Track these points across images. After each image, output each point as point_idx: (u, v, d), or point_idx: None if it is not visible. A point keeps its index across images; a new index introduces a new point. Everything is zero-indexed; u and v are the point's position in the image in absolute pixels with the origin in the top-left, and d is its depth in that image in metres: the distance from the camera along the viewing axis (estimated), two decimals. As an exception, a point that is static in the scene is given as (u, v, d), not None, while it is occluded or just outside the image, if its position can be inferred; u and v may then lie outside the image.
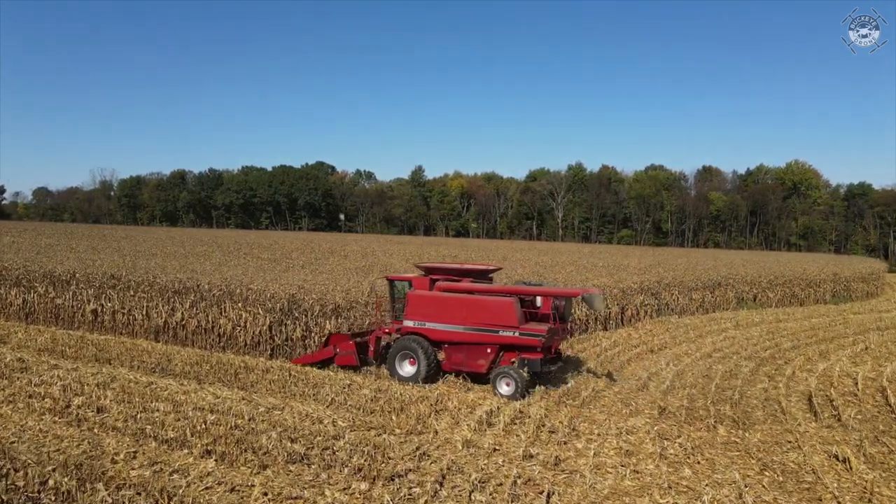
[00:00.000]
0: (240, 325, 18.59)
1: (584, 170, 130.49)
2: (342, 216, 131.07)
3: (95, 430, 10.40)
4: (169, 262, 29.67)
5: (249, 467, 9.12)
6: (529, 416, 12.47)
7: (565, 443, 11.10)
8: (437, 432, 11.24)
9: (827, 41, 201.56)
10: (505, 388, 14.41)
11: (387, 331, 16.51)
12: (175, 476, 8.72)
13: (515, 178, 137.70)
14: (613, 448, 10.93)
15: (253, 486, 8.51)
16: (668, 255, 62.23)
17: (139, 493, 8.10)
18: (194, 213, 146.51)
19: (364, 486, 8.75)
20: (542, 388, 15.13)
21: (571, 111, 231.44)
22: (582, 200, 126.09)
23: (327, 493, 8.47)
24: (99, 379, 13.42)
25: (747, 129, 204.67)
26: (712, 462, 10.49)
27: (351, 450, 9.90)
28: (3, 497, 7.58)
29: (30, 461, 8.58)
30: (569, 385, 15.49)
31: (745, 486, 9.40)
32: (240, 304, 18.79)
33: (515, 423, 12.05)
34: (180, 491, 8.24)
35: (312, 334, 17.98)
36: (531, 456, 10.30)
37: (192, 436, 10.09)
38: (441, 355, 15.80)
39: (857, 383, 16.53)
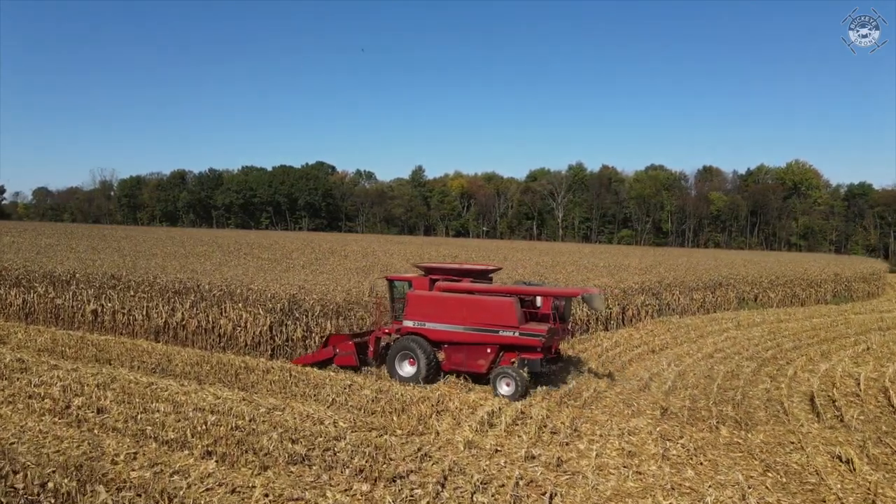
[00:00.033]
0: (240, 326, 18.55)
1: (584, 170, 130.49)
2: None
3: (95, 431, 10.36)
4: (169, 262, 29.63)
5: (250, 468, 9.07)
6: (531, 417, 12.43)
7: (567, 444, 11.05)
8: (438, 433, 11.19)
9: (827, 41, 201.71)
10: (505, 389, 14.37)
11: (386, 331, 16.46)
12: (176, 477, 8.67)
13: (516, 178, 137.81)
14: (616, 449, 10.89)
15: (254, 487, 8.46)
16: (668, 255, 62.18)
17: (139, 495, 8.05)
18: (194, 213, 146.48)
19: (365, 487, 8.70)
20: (544, 388, 15.10)
21: (571, 111, 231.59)
22: (582, 200, 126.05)
23: (329, 494, 8.43)
24: (99, 379, 13.38)
25: (747, 129, 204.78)
26: (715, 463, 10.44)
27: (352, 451, 9.86)
28: (3, 500, 7.53)
29: (29, 463, 8.53)
30: (569, 385, 15.45)
31: (749, 488, 9.36)
32: (240, 305, 18.75)
33: (517, 424, 12.01)
34: (181, 492, 8.20)
35: (313, 335, 17.94)
36: (533, 457, 10.25)
37: (192, 437, 10.04)
38: (441, 355, 15.76)
39: (859, 384, 16.49)
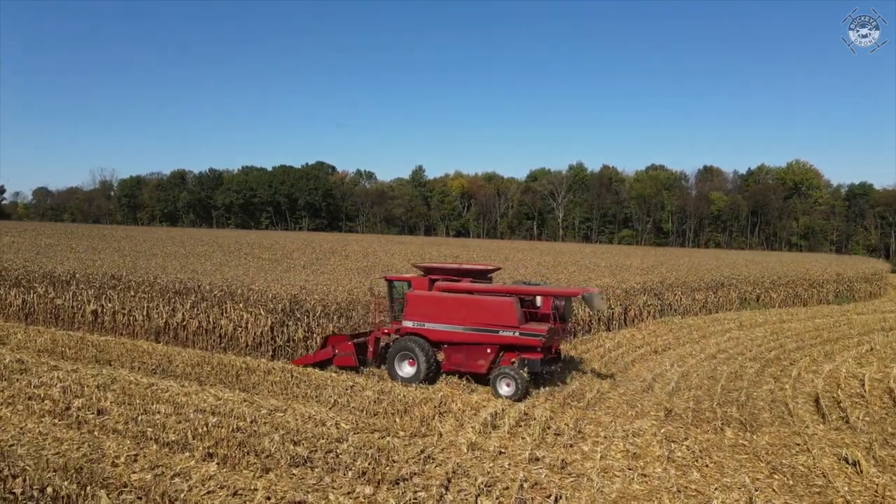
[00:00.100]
0: (241, 326, 18.45)
1: (584, 170, 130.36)
2: None
3: (96, 433, 10.27)
4: (169, 262, 29.55)
5: (252, 471, 8.98)
6: (534, 418, 12.33)
7: (571, 445, 10.95)
8: (441, 435, 11.10)
9: (827, 41, 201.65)
10: (505, 389, 14.29)
11: (386, 331, 16.37)
12: (177, 480, 8.59)
13: (516, 178, 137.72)
14: (620, 451, 10.79)
15: (256, 489, 8.37)
16: (669, 255, 62.09)
17: (140, 498, 7.97)
18: (194, 213, 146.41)
19: (369, 489, 8.61)
20: (547, 389, 15.01)
21: (572, 111, 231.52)
22: (583, 200, 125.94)
23: (331, 497, 8.34)
24: (99, 380, 13.29)
25: (748, 129, 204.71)
26: (721, 465, 10.35)
27: (355, 453, 9.77)
28: None
29: (28, 466, 8.44)
30: (572, 386, 15.35)
31: (756, 490, 9.27)
32: (241, 305, 18.66)
33: (520, 426, 11.91)
34: (182, 495, 8.11)
35: (314, 335, 17.84)
36: (537, 459, 10.16)
37: (193, 438, 9.95)
38: (440, 356, 15.67)
39: (863, 384, 16.40)
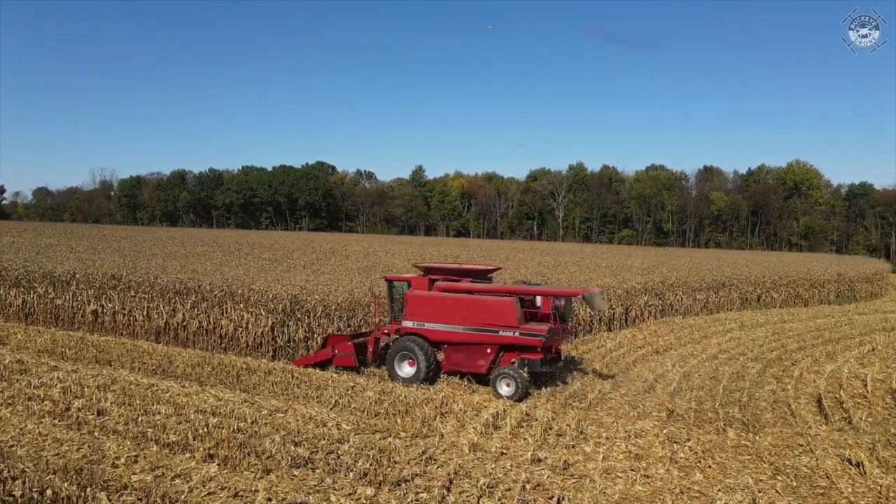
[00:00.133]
0: (242, 326, 18.40)
1: (584, 170, 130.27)
2: None
3: (96, 434, 10.23)
4: (169, 262, 29.50)
5: (253, 472, 8.94)
6: (536, 419, 12.29)
7: (573, 446, 10.91)
8: (442, 435, 11.06)
9: (827, 41, 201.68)
10: (505, 389, 14.24)
11: (385, 332, 16.33)
12: (177, 481, 8.54)
13: (516, 178, 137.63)
14: (622, 452, 10.75)
15: (257, 491, 8.33)
16: (670, 255, 62.05)
17: (140, 500, 7.93)
18: (194, 213, 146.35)
19: (370, 491, 8.57)
20: (548, 389, 14.96)
21: (572, 111, 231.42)
22: (583, 200, 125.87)
23: (333, 498, 8.30)
24: (99, 381, 13.25)
25: (748, 129, 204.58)
26: (723, 466, 10.30)
27: (356, 454, 9.73)
28: None
29: (28, 468, 8.39)
30: (574, 387, 15.31)
31: (759, 492, 9.22)
32: (241, 305, 18.61)
33: (522, 426, 11.87)
34: (182, 497, 8.07)
35: (315, 335, 17.79)
36: (539, 460, 10.12)
37: (193, 439, 9.91)
38: (440, 356, 15.63)
39: (866, 385, 16.35)
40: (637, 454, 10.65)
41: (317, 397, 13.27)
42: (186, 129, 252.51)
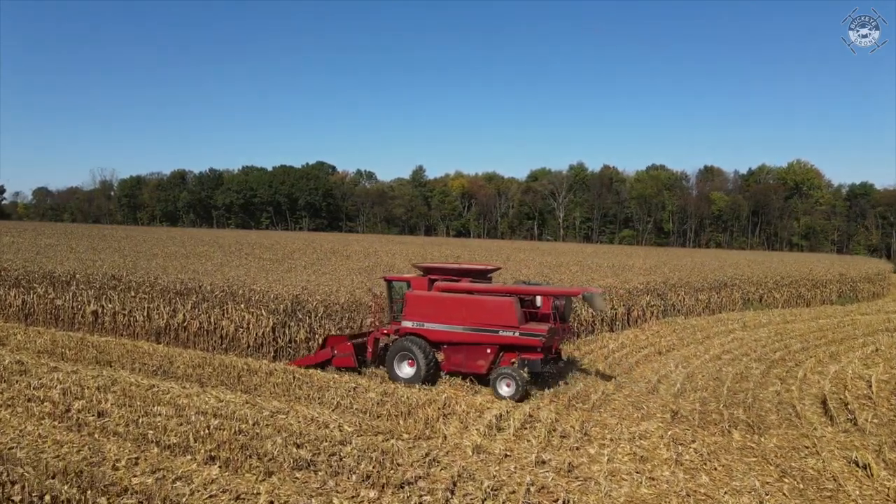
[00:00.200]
0: (242, 327, 18.32)
1: (585, 170, 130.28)
2: None
3: (96, 436, 10.13)
4: (170, 262, 29.42)
5: (254, 474, 8.84)
6: (540, 421, 12.19)
7: (578, 448, 10.81)
8: (445, 437, 10.96)
9: (827, 41, 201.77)
10: (505, 389, 14.16)
11: (385, 332, 16.24)
12: (178, 484, 8.44)
13: (516, 178, 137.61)
14: (627, 454, 10.65)
15: (258, 493, 8.24)
16: (671, 255, 61.97)
17: (141, 502, 7.83)
18: (194, 213, 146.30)
19: (373, 494, 8.47)
20: (551, 390, 14.87)
21: (572, 111, 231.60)
22: (583, 200, 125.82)
23: (335, 501, 8.21)
24: (99, 382, 13.15)
25: (748, 129, 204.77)
26: (729, 468, 10.21)
27: (358, 456, 9.63)
28: None
29: (27, 471, 8.29)
30: (577, 388, 15.23)
31: (766, 495, 9.13)
32: (242, 306, 18.53)
33: (526, 428, 11.77)
34: (184, 500, 7.98)
35: (316, 336, 17.71)
36: (543, 462, 10.02)
37: (195, 441, 9.81)
38: (440, 356, 15.54)
39: (870, 386, 16.22)
40: (642, 456, 10.55)
41: (318, 398, 13.18)
42: (186, 129, 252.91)
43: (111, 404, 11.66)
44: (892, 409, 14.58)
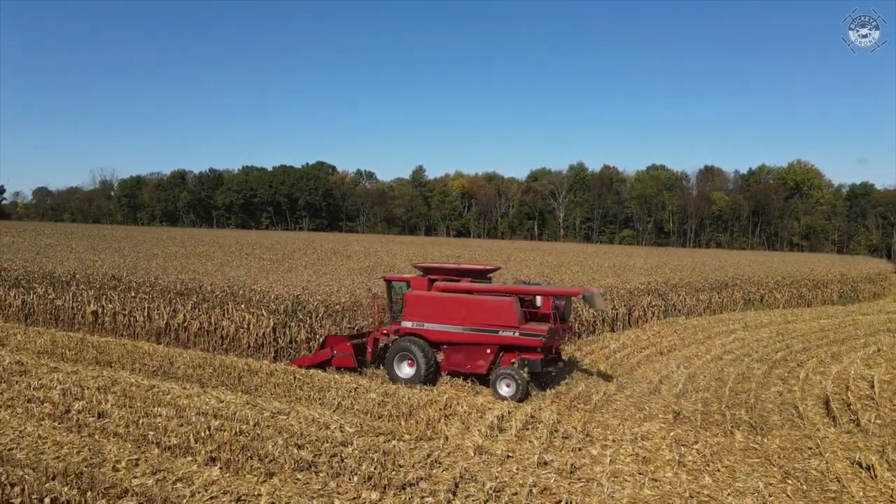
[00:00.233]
0: (243, 327, 18.27)
1: (585, 170, 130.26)
2: None
3: (96, 437, 10.08)
4: (170, 262, 29.37)
5: (255, 475, 8.79)
6: (541, 421, 12.13)
7: (580, 449, 10.76)
8: (447, 438, 10.91)
9: (827, 41, 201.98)
10: (505, 390, 14.12)
11: (385, 332, 16.19)
12: (179, 485, 8.40)
13: (517, 178, 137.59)
14: (629, 455, 10.60)
15: (260, 495, 8.20)
16: (672, 255, 61.93)
17: (141, 504, 7.79)
18: (194, 213, 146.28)
19: (375, 495, 8.43)
20: (553, 391, 14.83)
21: (572, 111, 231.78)
22: (583, 200, 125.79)
23: (336, 502, 8.17)
24: (99, 382, 13.11)
25: (748, 129, 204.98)
26: (732, 470, 10.16)
27: (360, 457, 9.58)
28: None
29: (27, 474, 8.25)
30: (579, 388, 15.18)
31: (770, 496, 9.08)
32: (243, 306, 18.47)
33: (527, 429, 11.72)
34: (184, 501, 7.94)
35: (317, 336, 17.66)
36: (546, 463, 9.97)
37: (195, 442, 9.76)
38: (440, 356, 15.49)
39: (873, 386, 16.18)
40: (644, 457, 10.50)
41: (319, 399, 13.13)
42: (186, 129, 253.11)
43: (111, 405, 11.61)
44: (895, 409, 14.53)
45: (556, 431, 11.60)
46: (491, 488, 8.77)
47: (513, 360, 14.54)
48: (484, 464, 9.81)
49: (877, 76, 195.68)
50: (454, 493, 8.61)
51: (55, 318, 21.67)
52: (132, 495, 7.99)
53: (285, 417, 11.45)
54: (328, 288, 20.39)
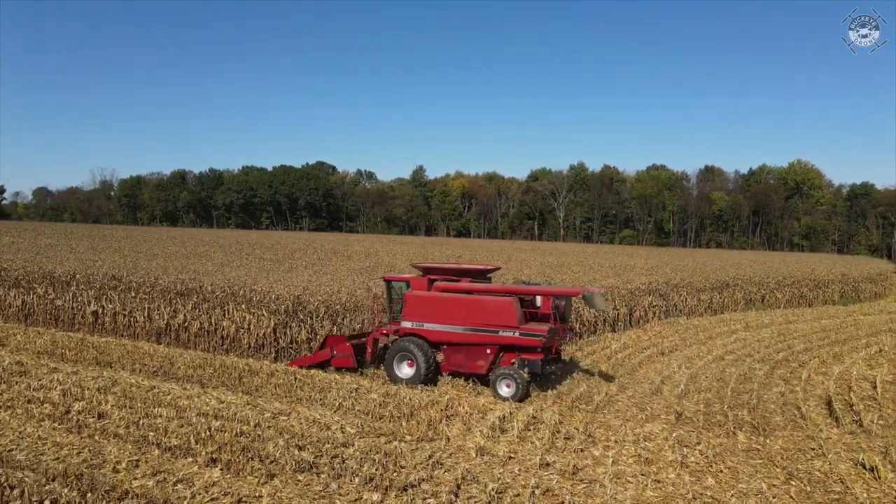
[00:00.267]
0: (243, 328, 18.23)
1: (585, 170, 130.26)
2: None
3: (96, 438, 10.03)
4: (170, 262, 29.33)
5: (256, 476, 8.74)
6: (543, 422, 12.08)
7: (582, 450, 10.71)
8: (449, 439, 10.85)
9: (827, 41, 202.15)
10: (505, 390, 14.08)
11: (384, 332, 16.15)
12: (179, 486, 8.35)
13: (517, 178, 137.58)
14: (632, 456, 10.55)
15: (260, 496, 8.15)
16: (672, 255, 61.89)
17: (142, 506, 7.74)
18: (194, 213, 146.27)
19: (376, 496, 8.38)
20: (554, 391, 14.78)
21: (572, 111, 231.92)
22: (583, 200, 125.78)
23: (338, 504, 8.11)
24: (100, 383, 13.06)
25: (749, 129, 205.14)
26: (735, 471, 10.10)
27: (361, 458, 9.54)
28: None
29: (27, 477, 8.20)
30: (580, 389, 15.14)
31: (773, 497, 9.03)
32: (243, 306, 18.43)
33: (529, 430, 11.67)
34: (185, 502, 7.88)
35: (318, 336, 17.62)
36: (548, 464, 9.91)
37: (196, 443, 9.71)
38: (440, 356, 15.45)
39: (875, 387, 16.15)
40: (647, 458, 10.45)
41: (320, 400, 13.08)
42: (186, 129, 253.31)
43: (111, 406, 11.57)
44: (898, 410, 14.49)
45: (557, 432, 11.55)
46: (493, 489, 8.71)
47: (513, 361, 14.50)
48: (486, 465, 9.76)
49: (877, 76, 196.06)
50: (456, 495, 8.56)
51: (55, 319, 21.63)
52: (132, 497, 7.94)
53: (286, 418, 11.40)
54: (329, 288, 20.35)
